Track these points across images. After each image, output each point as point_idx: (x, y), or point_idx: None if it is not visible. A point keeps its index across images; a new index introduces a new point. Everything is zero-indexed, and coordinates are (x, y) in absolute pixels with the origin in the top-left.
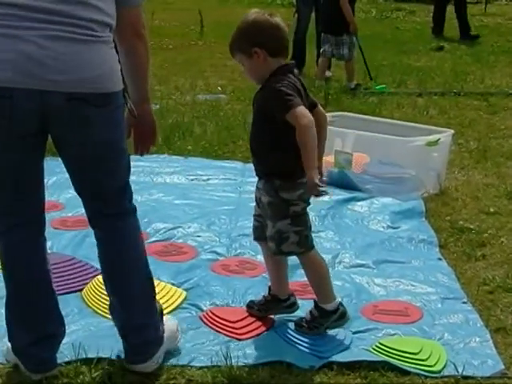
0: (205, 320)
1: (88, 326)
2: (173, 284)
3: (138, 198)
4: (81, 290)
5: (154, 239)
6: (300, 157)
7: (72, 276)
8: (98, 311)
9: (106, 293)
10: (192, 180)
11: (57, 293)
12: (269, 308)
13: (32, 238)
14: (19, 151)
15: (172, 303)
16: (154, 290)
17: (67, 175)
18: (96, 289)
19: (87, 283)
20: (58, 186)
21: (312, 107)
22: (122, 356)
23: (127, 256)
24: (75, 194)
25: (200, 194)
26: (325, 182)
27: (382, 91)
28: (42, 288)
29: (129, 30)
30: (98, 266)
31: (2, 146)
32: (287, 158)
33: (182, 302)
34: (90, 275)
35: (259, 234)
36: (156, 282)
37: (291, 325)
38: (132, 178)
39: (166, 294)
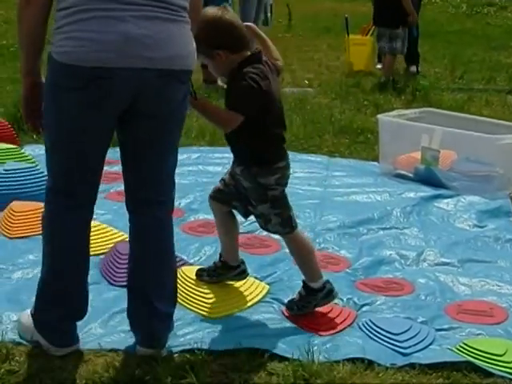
0: (287, 314)
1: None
2: (256, 278)
3: None
4: None
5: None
6: (275, 143)
7: None
8: (182, 302)
9: (189, 284)
10: None
11: None
12: (219, 274)
13: (85, 219)
14: (110, 129)
15: (254, 297)
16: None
17: None
18: (180, 280)
19: None
20: None
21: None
22: (206, 345)
23: (165, 244)
24: None
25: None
26: None
27: (425, 88)
28: (83, 264)
29: (192, 15)
30: (183, 256)
31: (99, 123)
32: (263, 146)
33: (264, 296)
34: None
35: (218, 196)
36: None
37: (374, 320)
38: (218, 169)
39: (249, 287)
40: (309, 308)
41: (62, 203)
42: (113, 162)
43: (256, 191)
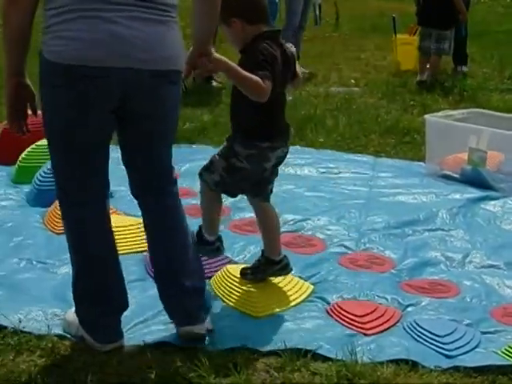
0: (331, 313)
1: (214, 314)
2: (300, 277)
3: None
4: (210, 278)
5: (282, 230)
6: (265, 122)
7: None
8: (227, 300)
9: (234, 282)
10: (323, 172)
11: None
12: (263, 270)
13: (101, 212)
14: (103, 127)
15: (299, 296)
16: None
17: (200, 163)
18: (225, 278)
19: (217, 271)
20: (191, 173)
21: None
22: (250, 344)
23: (180, 225)
24: None
25: (330, 187)
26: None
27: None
28: (111, 259)
29: None
30: (228, 254)
31: (91, 121)
32: (255, 118)
33: (309, 295)
34: (220, 263)
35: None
36: None
37: (419, 321)
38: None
39: (294, 286)
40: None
41: (73, 201)
42: None
43: (227, 150)
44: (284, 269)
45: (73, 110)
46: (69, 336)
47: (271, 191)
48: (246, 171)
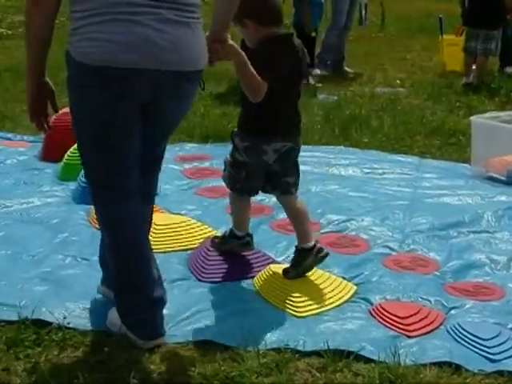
0: (374, 314)
1: (257, 314)
2: (344, 277)
3: (312, 189)
4: (253, 278)
5: (326, 230)
6: (263, 117)
7: (244, 263)
8: (270, 300)
9: (277, 281)
10: (367, 173)
11: (228, 278)
12: (299, 262)
13: (134, 211)
14: (133, 125)
15: (342, 296)
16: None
17: None
18: (268, 277)
19: (259, 271)
20: None
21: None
22: (292, 344)
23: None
24: None
25: (375, 188)
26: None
27: None
28: (146, 253)
29: None
30: (271, 253)
31: (124, 121)
32: (250, 112)
33: (352, 296)
34: (263, 263)
35: None
36: (326, 275)
37: (462, 324)
38: (307, 168)
39: (337, 287)
40: (226, 247)
41: (106, 200)
42: (203, 158)
43: (232, 147)
44: (319, 252)
45: (107, 110)
46: (113, 333)
47: (293, 185)
48: (249, 166)
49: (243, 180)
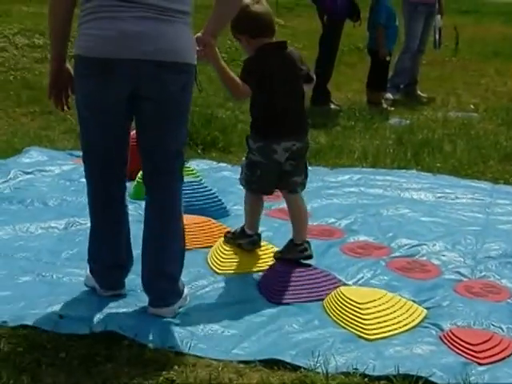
0: (445, 340)
1: (326, 336)
2: (414, 301)
3: (383, 212)
4: (322, 300)
5: (397, 254)
6: (264, 118)
7: (314, 285)
8: (339, 322)
9: (348, 304)
10: (439, 197)
11: (298, 300)
12: (288, 252)
13: (118, 185)
14: (118, 109)
15: (412, 321)
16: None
17: (315, 184)
18: (338, 299)
19: (329, 293)
20: (306, 194)
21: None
22: (361, 367)
23: (171, 211)
24: (323, 203)
25: (447, 213)
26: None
27: None
28: (120, 223)
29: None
30: (341, 277)
31: (107, 105)
32: (258, 116)
33: (422, 320)
34: (333, 285)
35: None
36: (397, 298)
37: None
38: (378, 191)
39: (407, 310)
40: (234, 243)
41: (93, 171)
42: None
43: (247, 150)
44: (303, 251)
45: (95, 93)
46: (184, 351)
47: (300, 184)
48: (262, 165)
49: (258, 179)
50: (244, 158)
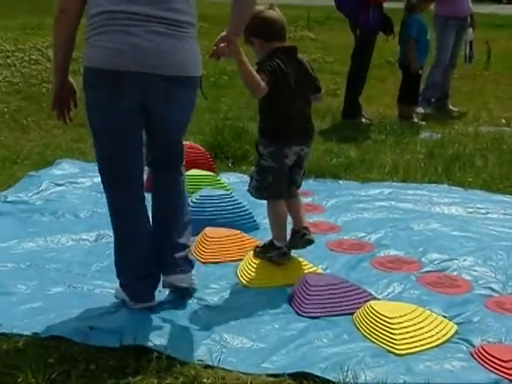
0: (475, 356)
1: (355, 350)
2: (444, 316)
3: (414, 227)
4: (352, 314)
5: (427, 269)
6: (276, 122)
7: (344, 299)
8: (369, 336)
9: (378, 318)
10: (470, 212)
11: (328, 314)
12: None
13: (133, 197)
14: (129, 121)
15: (442, 336)
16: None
17: (345, 198)
18: (368, 314)
19: (359, 307)
20: (337, 208)
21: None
22: (390, 382)
23: (178, 191)
24: (353, 217)
25: (478, 228)
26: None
27: None
28: (140, 236)
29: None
30: (371, 291)
31: (117, 116)
32: (268, 120)
33: (452, 336)
34: (363, 299)
35: None
36: (427, 313)
37: None
38: (409, 205)
39: (437, 326)
40: (264, 256)
41: (111, 183)
42: (305, 194)
43: (257, 157)
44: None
45: (107, 107)
46: (213, 364)
47: (300, 185)
48: (274, 169)
49: (270, 185)
50: (254, 168)
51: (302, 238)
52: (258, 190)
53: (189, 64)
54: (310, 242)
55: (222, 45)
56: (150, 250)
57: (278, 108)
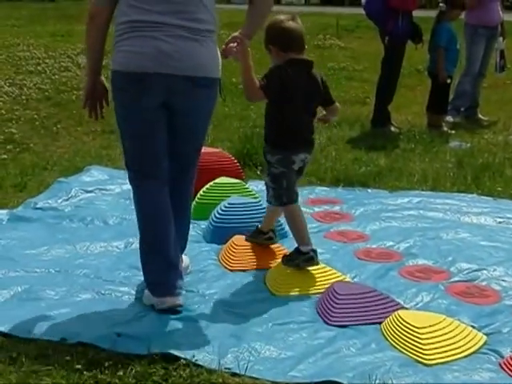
0: (504, 367)
1: (383, 360)
2: (473, 327)
3: (443, 236)
4: (380, 323)
5: (456, 279)
6: (281, 130)
7: (372, 308)
8: (397, 346)
9: (406, 328)
10: (500, 222)
11: (356, 322)
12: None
13: (157, 191)
14: (154, 119)
15: (471, 346)
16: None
17: (374, 207)
18: (396, 323)
19: (387, 316)
20: (365, 217)
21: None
22: None
23: (185, 199)
24: (381, 226)
25: (507, 237)
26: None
27: None
28: (167, 225)
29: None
30: (399, 300)
31: (144, 115)
32: (273, 128)
33: (481, 347)
34: (391, 309)
35: None
36: (456, 323)
37: None
38: (438, 214)
39: (466, 336)
40: (292, 264)
41: (138, 179)
42: (333, 202)
43: (267, 165)
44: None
45: (133, 106)
46: (240, 373)
47: (297, 195)
48: (286, 174)
49: (286, 190)
50: (266, 178)
51: (266, 239)
52: (276, 198)
53: (208, 66)
54: (272, 243)
55: (232, 44)
56: (173, 243)
57: (287, 118)
